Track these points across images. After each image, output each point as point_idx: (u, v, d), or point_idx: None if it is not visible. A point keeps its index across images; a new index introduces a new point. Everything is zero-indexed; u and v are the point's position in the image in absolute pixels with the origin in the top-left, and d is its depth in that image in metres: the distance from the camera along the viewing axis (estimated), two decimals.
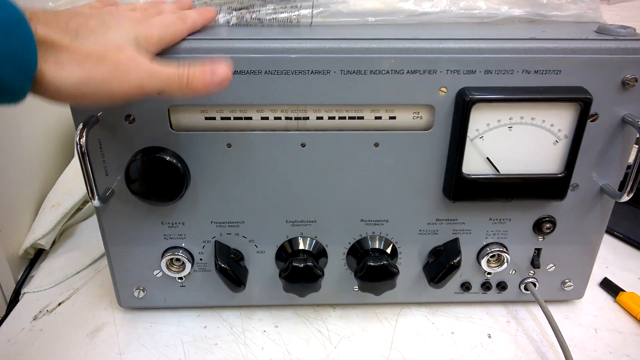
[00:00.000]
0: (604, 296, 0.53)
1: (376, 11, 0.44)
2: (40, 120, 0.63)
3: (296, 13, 0.43)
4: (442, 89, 0.39)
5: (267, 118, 0.41)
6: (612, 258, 0.59)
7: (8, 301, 0.52)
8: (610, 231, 0.63)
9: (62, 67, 0.29)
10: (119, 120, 0.40)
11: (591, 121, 0.41)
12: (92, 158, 0.41)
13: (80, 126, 0.38)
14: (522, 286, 0.50)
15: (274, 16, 0.43)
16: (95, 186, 0.39)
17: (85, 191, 0.48)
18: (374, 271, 0.43)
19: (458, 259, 0.45)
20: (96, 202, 0.40)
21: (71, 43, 0.29)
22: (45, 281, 0.54)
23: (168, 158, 0.40)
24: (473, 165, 0.42)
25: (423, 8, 0.44)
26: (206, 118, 0.41)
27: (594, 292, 0.54)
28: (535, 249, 0.48)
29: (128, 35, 0.33)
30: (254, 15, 0.43)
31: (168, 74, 0.33)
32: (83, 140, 0.37)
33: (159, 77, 0.33)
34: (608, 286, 0.54)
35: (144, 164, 0.39)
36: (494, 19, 0.45)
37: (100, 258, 0.58)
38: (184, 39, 0.38)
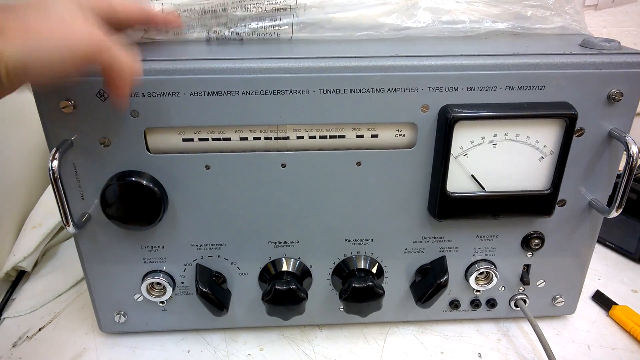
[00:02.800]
0: (596, 310, 0.52)
1: (358, 26, 0.43)
2: (21, 138, 0.62)
3: (276, 27, 0.42)
4: (424, 106, 0.39)
5: (246, 139, 0.40)
6: (604, 269, 0.59)
7: None
8: (601, 241, 0.63)
9: (5, 39, 0.27)
10: (93, 144, 0.39)
11: (577, 136, 0.40)
12: (67, 182, 0.40)
13: (53, 151, 0.37)
14: (512, 303, 0.49)
15: (253, 30, 0.42)
16: (70, 212, 0.38)
17: None
18: (359, 292, 0.42)
19: (445, 277, 0.44)
20: (71, 229, 0.38)
21: (9, 15, 0.28)
22: (26, 305, 0.53)
23: (144, 182, 0.39)
24: (457, 183, 0.41)
25: (406, 23, 0.43)
26: (184, 140, 0.40)
27: (586, 305, 0.53)
28: (524, 265, 0.47)
29: (71, 3, 0.31)
30: (232, 30, 0.42)
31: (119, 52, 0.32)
32: (55, 165, 0.36)
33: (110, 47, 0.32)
34: (600, 299, 0.53)
35: (119, 189, 0.38)
36: (477, 33, 0.44)
37: (82, 279, 0.56)
38: (160, 60, 0.37)
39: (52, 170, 0.36)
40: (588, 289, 0.54)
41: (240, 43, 0.43)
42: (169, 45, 0.42)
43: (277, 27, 0.42)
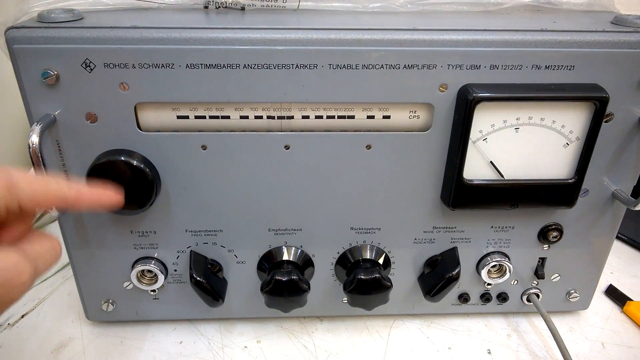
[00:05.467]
0: (610, 305, 0.50)
1: None
2: (3, 113, 0.58)
3: None
4: (442, 85, 0.35)
5: (246, 117, 0.37)
6: (616, 263, 0.56)
7: None
8: None
9: None
10: (79, 120, 0.35)
11: (605, 122, 0.37)
12: (50, 161, 0.36)
13: (35, 126, 0.33)
14: (525, 297, 0.46)
15: None
16: None
17: None
18: (365, 285, 0.40)
19: (457, 270, 0.41)
20: (53, 212, 0.35)
21: None
22: None
23: (135, 162, 0.35)
24: (475, 169, 0.38)
25: None
26: (178, 117, 0.36)
27: (599, 300, 0.50)
28: (540, 258, 0.44)
29: None
30: None
31: None
32: (35, 139, 0.33)
33: None
34: (614, 295, 0.51)
35: (107, 170, 0.35)
36: (500, 7, 0.40)
37: (69, 264, 0.53)
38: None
39: (32, 145, 0.33)
40: (600, 283, 0.52)
41: (241, 12, 0.39)
42: (163, 12, 0.38)
43: None
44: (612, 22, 0.38)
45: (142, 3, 0.39)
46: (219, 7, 0.40)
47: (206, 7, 0.40)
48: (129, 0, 0.38)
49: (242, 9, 0.40)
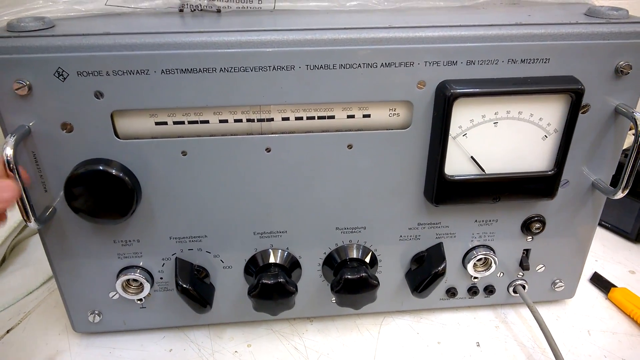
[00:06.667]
0: (595, 293, 0.51)
1: None
2: None
3: None
4: (420, 82, 0.35)
5: (226, 121, 0.36)
6: (601, 250, 0.57)
7: None
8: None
9: None
10: (54, 130, 0.35)
11: (582, 113, 0.38)
12: (28, 172, 0.36)
13: (9, 138, 0.33)
14: (511, 289, 0.47)
15: None
16: (31, 205, 0.34)
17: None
18: (352, 284, 0.40)
19: (443, 265, 0.41)
20: (32, 224, 0.35)
21: None
22: None
23: (114, 171, 0.35)
24: (456, 165, 0.38)
25: None
26: (157, 123, 0.36)
27: (584, 288, 0.51)
28: (524, 249, 0.45)
29: None
30: None
31: None
32: (10, 152, 0.32)
33: None
34: (599, 282, 0.52)
35: (85, 180, 0.34)
36: (476, 2, 0.41)
37: None
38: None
39: (7, 158, 0.32)
40: (585, 271, 0.52)
41: (217, 14, 0.39)
42: (137, 18, 0.38)
43: None
44: (585, 14, 0.38)
45: (115, 8, 0.38)
46: (194, 10, 0.39)
47: (181, 11, 0.39)
48: (101, 6, 0.37)
49: (218, 11, 0.40)
